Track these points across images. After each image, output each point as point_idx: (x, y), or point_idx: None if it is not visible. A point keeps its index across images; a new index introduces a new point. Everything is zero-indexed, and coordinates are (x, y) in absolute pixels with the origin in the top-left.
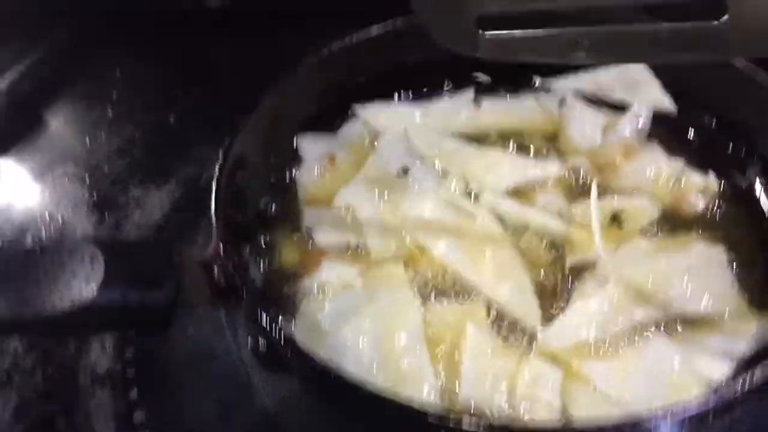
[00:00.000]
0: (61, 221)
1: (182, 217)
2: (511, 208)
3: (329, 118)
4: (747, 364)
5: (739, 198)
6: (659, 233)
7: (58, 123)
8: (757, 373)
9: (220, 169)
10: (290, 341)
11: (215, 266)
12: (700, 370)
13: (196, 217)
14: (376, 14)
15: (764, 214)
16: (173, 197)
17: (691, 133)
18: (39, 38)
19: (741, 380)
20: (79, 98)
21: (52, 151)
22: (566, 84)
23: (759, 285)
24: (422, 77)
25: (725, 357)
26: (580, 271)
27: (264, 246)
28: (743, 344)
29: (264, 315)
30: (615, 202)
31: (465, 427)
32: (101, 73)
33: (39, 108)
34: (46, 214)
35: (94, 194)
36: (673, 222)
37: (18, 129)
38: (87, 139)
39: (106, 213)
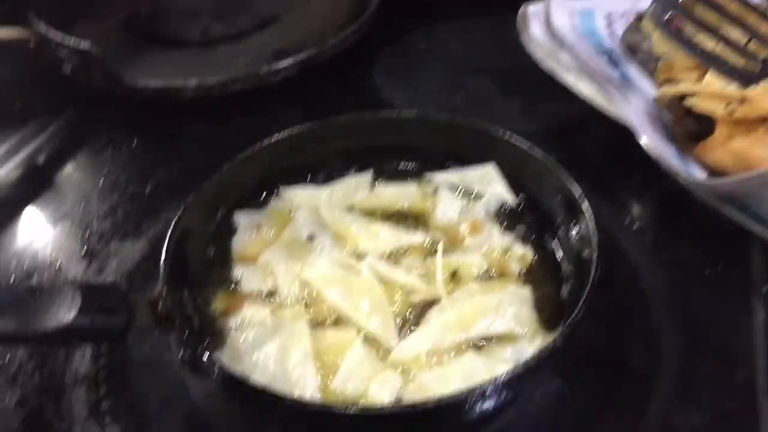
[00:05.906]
0: (57, 266)
1: (148, 265)
2: (384, 268)
3: (260, 196)
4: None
5: (543, 255)
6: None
7: (62, 189)
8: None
9: (170, 234)
10: (210, 358)
11: (159, 303)
12: (496, 372)
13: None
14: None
15: (557, 265)
16: (144, 251)
17: (522, 216)
18: (55, 116)
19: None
20: (80, 169)
21: (57, 211)
22: (441, 177)
23: (548, 312)
24: (332, 164)
25: (513, 362)
26: (428, 307)
27: (201, 292)
28: (530, 352)
29: (194, 341)
30: (456, 258)
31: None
32: (98, 149)
33: (51, 175)
34: (47, 260)
35: (85, 247)
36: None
37: (34, 190)
38: (82, 204)
39: (92, 261)
